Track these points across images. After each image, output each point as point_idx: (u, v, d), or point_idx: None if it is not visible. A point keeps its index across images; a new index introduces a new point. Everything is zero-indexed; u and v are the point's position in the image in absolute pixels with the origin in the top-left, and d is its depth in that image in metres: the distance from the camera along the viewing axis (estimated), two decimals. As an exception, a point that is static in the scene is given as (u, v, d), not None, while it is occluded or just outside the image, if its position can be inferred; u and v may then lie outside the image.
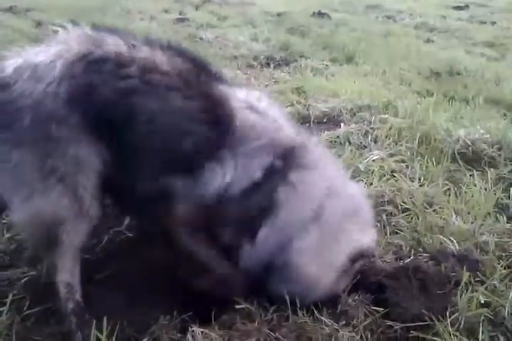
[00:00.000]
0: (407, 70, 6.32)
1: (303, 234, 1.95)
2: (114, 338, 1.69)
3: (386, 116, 4.24)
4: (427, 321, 1.95)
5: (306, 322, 1.88)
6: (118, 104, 1.82)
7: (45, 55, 1.85)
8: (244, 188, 1.91)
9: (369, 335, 1.91)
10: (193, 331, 1.83)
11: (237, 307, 1.96)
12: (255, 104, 2.08)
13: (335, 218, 1.99)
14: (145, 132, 1.85)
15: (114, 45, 1.89)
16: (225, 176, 1.91)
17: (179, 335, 1.84)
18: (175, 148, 1.89)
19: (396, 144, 3.75)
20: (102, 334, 1.68)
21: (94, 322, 1.69)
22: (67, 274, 1.92)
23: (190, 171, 1.91)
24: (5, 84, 1.79)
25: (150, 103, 1.85)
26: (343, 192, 2.06)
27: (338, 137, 3.89)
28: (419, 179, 3.20)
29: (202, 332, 1.82)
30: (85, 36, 1.92)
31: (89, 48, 1.86)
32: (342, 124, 4.15)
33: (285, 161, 1.96)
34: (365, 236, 2.05)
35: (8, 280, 2.11)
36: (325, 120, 4.36)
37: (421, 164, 3.41)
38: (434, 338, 1.89)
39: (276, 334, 1.80)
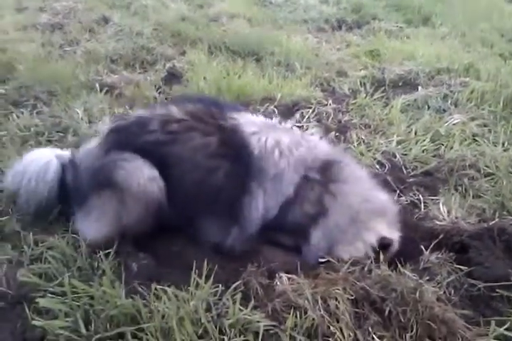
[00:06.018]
0: (488, 32, 5.97)
1: (344, 234, 2.11)
2: (210, 280, 1.84)
3: (467, 79, 4.10)
4: (511, 281, 1.95)
5: (389, 275, 1.92)
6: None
7: None
8: (283, 205, 2.11)
9: (452, 292, 1.95)
10: (280, 277, 1.94)
11: (320, 260, 2.05)
12: (276, 125, 2.28)
13: (366, 216, 2.13)
14: (177, 174, 2.11)
15: None
16: (258, 205, 2.10)
17: (268, 281, 1.95)
18: (205, 187, 2.10)
19: (478, 108, 3.64)
20: (200, 278, 1.83)
21: (195, 265, 1.85)
22: None
23: (225, 210, 2.11)
24: None
25: (175, 149, 2.11)
26: (374, 198, 2.21)
27: (415, 101, 3.82)
28: (503, 143, 3.12)
29: (289, 278, 1.93)
30: None
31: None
32: (419, 87, 4.06)
33: (323, 174, 2.15)
34: (390, 233, 2.13)
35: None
36: (400, 83, 4.27)
37: (505, 128, 3.30)
38: (520, 297, 1.90)
39: (362, 284, 1.85)
